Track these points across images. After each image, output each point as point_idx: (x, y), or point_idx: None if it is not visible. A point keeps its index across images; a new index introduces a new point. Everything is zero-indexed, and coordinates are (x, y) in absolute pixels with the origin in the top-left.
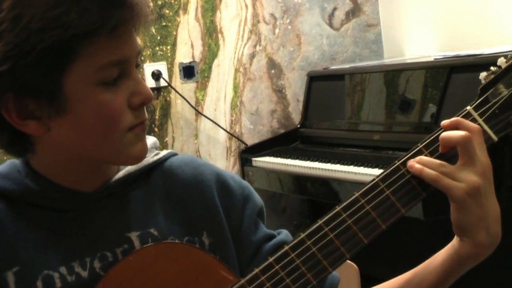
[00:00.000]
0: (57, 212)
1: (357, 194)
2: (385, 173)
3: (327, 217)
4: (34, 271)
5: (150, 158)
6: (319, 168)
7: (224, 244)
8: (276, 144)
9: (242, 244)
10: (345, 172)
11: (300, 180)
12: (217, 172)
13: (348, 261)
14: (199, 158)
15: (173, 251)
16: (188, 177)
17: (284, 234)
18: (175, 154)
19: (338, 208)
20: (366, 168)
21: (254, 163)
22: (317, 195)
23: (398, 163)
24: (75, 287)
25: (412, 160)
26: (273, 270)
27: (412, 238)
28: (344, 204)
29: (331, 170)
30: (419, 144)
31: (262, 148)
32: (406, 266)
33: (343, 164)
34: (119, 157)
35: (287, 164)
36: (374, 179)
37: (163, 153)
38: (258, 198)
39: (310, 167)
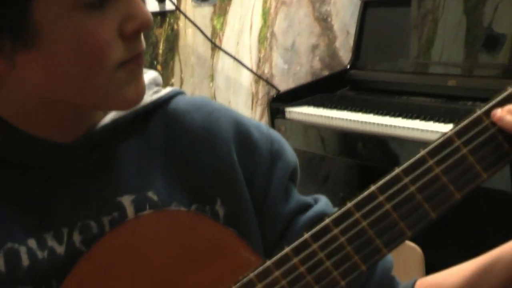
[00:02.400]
0: (27, 169)
1: (423, 152)
2: (462, 125)
3: (382, 182)
4: None
5: (148, 97)
6: (374, 123)
7: (243, 216)
8: (317, 90)
9: (269, 216)
10: (408, 128)
11: (349, 139)
12: (237, 121)
13: (410, 243)
14: (214, 101)
15: (178, 222)
16: (198, 125)
17: (322, 203)
18: (181, 93)
19: (397, 170)
20: (436, 124)
21: (287, 115)
22: (371, 158)
23: (480, 113)
24: (47, 266)
25: (503, 109)
26: (310, 249)
27: (495, 218)
28: (407, 165)
29: (390, 125)
30: (509, 87)
31: (299, 95)
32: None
33: (406, 117)
34: (108, 102)
35: (332, 117)
36: (446, 133)
37: (166, 91)
38: (291, 155)
39: (362, 122)
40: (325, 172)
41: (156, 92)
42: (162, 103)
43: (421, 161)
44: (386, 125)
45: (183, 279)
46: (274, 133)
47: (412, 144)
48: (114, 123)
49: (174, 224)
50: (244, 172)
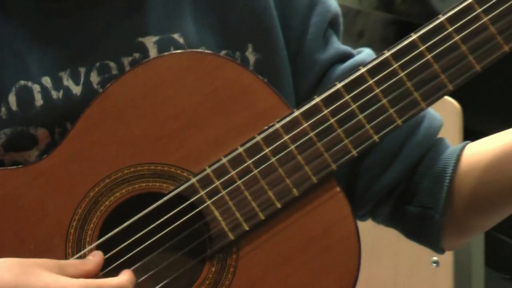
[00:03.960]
0: (46, 2)
1: (471, 0)
2: None
3: (424, 30)
4: (6, 81)
5: None
6: None
7: (276, 63)
8: None
9: (304, 63)
10: None
11: None
12: None
13: (449, 98)
14: None
15: (202, 64)
16: None
17: (365, 53)
18: None
19: (441, 18)
20: None
21: None
22: (410, 13)
23: None
24: (61, 106)
25: None
26: (342, 100)
27: None
28: (452, 13)
29: None
30: None
31: None
32: None
33: None
34: None
35: None
36: None
37: None
38: (332, 1)
39: None
40: (359, 28)
41: None
42: None
43: (468, 9)
44: None
45: (202, 125)
46: None
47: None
48: None
49: (197, 66)
50: (279, 16)
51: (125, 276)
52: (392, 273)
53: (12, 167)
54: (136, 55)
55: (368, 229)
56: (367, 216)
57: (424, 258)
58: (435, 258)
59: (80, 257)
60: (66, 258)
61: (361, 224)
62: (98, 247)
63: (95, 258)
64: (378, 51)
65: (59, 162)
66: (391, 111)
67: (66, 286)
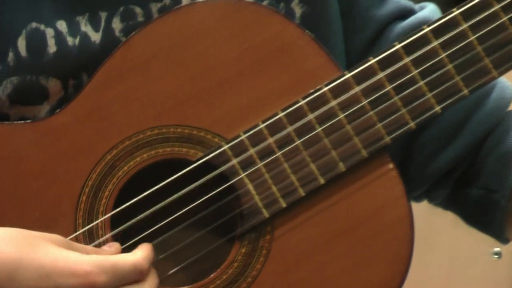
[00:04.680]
0: None
1: None
2: None
3: None
4: (15, 23)
5: None
6: None
7: (325, 18)
8: None
9: (359, 19)
10: None
11: None
12: None
13: None
14: None
15: (241, 15)
16: None
17: (428, 10)
18: None
19: None
20: None
21: None
22: None
23: None
24: (77, 55)
25: None
26: (400, 64)
27: None
28: None
29: None
30: None
31: None
32: None
33: None
34: None
35: None
36: None
37: None
38: None
39: None
40: None
41: None
42: None
43: None
44: None
45: (238, 85)
46: None
47: None
48: None
49: (236, 17)
50: None
51: (141, 252)
52: (447, 264)
53: (18, 121)
54: (166, 1)
55: (421, 212)
56: (423, 198)
57: (484, 248)
58: (497, 249)
59: (91, 229)
60: (75, 228)
61: (413, 207)
62: (112, 219)
63: (111, 249)
64: (439, 7)
65: (73, 119)
66: (457, 78)
67: (77, 262)
